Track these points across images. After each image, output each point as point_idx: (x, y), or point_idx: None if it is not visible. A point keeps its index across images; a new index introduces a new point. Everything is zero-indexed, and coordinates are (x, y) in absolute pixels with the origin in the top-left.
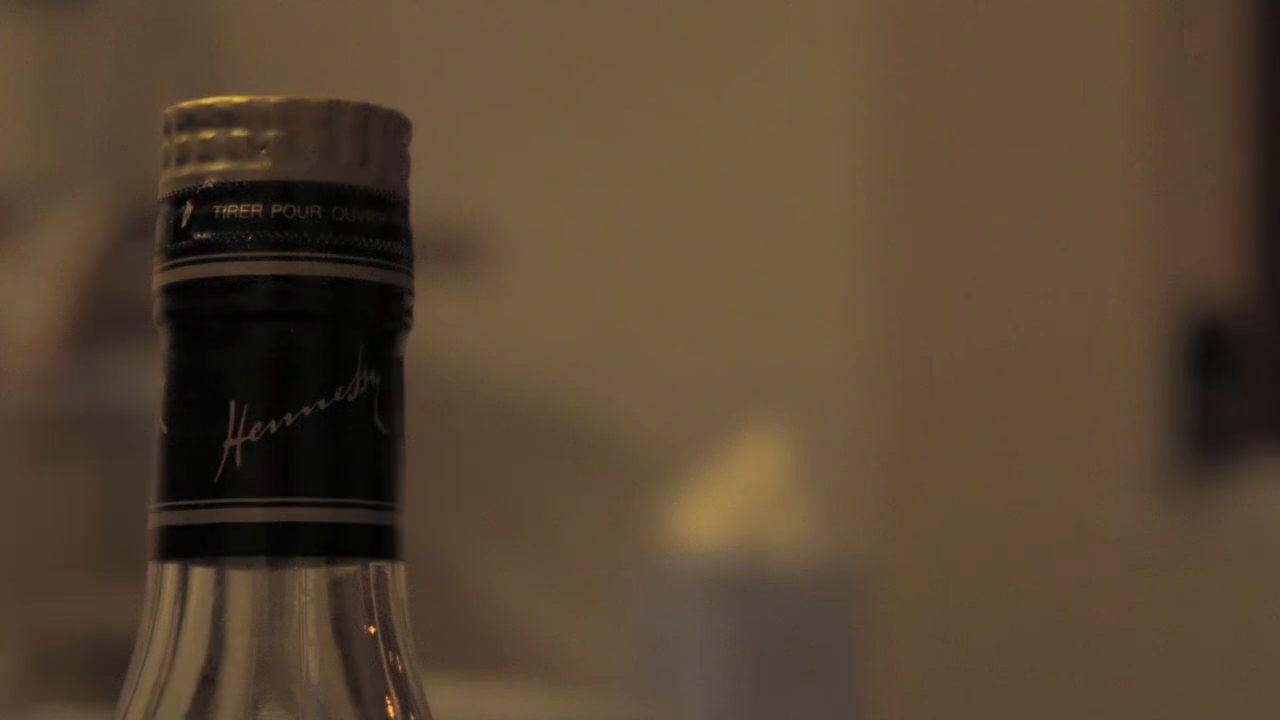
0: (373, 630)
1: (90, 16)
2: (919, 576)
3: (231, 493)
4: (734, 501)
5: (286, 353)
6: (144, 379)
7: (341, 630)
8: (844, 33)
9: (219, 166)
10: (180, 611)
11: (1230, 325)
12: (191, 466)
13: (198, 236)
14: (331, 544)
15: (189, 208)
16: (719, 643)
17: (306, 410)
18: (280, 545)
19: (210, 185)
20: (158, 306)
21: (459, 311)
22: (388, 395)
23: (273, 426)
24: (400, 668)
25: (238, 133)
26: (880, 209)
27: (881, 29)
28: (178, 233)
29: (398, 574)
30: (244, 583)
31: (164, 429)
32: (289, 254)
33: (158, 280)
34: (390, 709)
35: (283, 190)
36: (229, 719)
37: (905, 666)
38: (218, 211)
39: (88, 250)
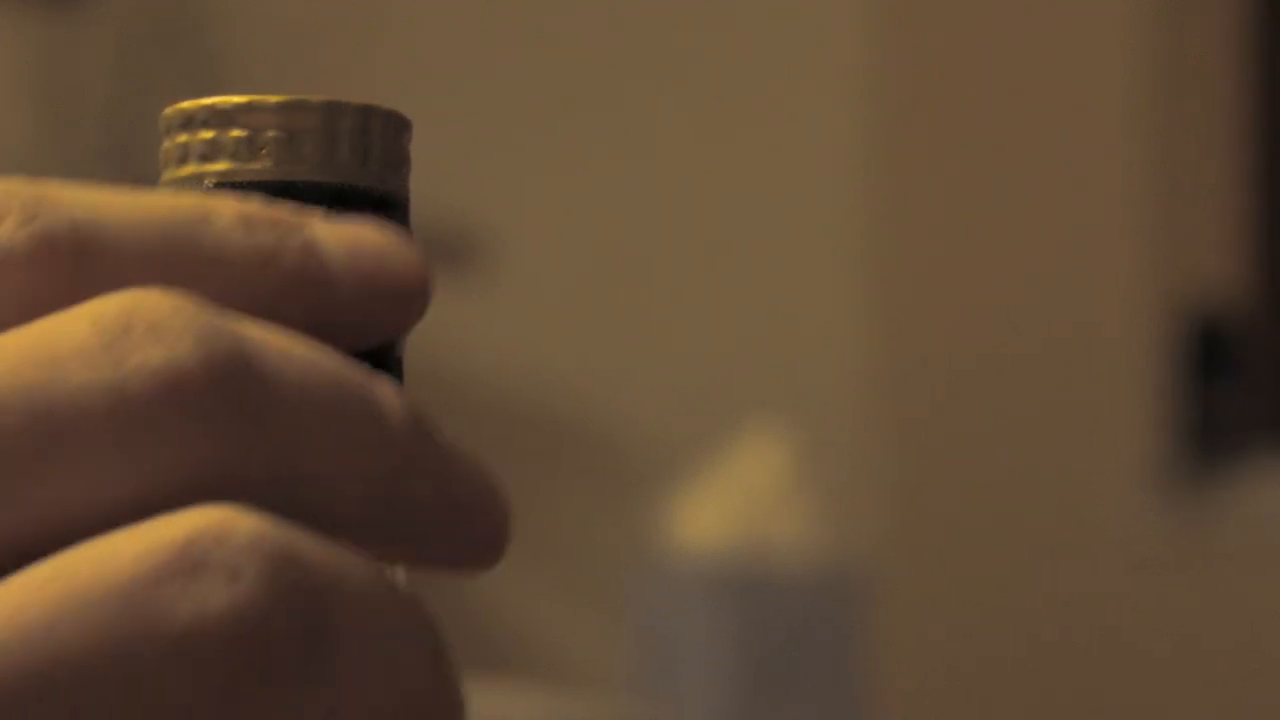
0: None
1: (90, 16)
2: (920, 577)
3: None
4: (734, 502)
5: None
6: None
7: None
8: (844, 34)
9: (219, 167)
10: None
11: (1230, 325)
12: None
13: None
14: None
15: None
16: (719, 643)
17: None
18: None
19: (210, 186)
20: None
21: (459, 311)
22: None
23: None
24: None
25: (237, 133)
26: (880, 210)
27: (881, 29)
28: None
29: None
30: None
31: None
32: None
33: None
34: None
35: (283, 190)
36: None
37: (906, 666)
38: None
39: None
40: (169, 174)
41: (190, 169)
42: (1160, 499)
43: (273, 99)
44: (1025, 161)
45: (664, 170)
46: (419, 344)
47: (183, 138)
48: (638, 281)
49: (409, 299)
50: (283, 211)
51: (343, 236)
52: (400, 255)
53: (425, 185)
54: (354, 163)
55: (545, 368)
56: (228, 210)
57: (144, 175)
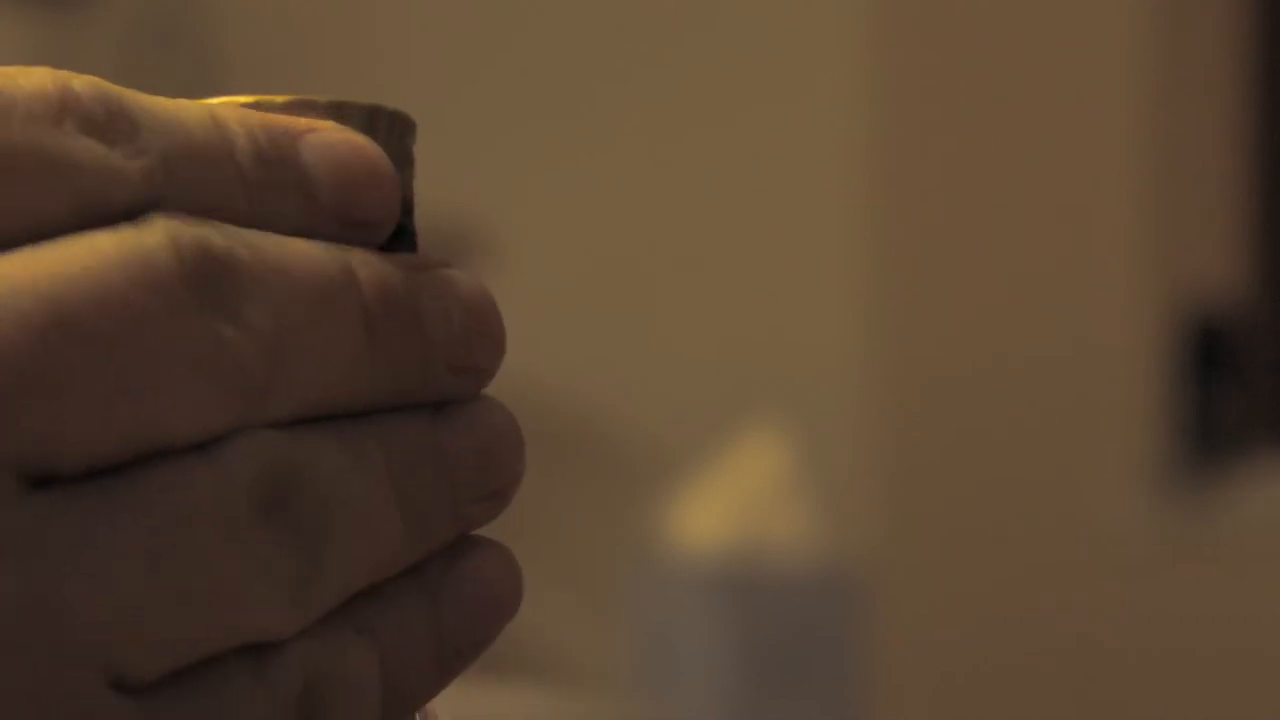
0: None
1: (90, 16)
2: (918, 576)
3: None
4: (734, 502)
5: None
6: None
7: None
8: (846, 34)
9: None
10: None
11: (1229, 325)
12: None
13: None
14: None
15: None
16: (719, 643)
17: None
18: None
19: None
20: None
21: None
22: None
23: None
24: None
25: None
26: (880, 210)
27: (883, 30)
28: None
29: None
30: None
31: None
32: None
33: None
34: None
35: None
36: None
37: (905, 666)
38: None
39: None
40: None
41: None
42: (1160, 499)
43: (280, 98)
44: (1025, 162)
45: (664, 170)
46: None
47: None
48: (638, 281)
49: (382, 203)
50: (282, 136)
51: (325, 155)
52: (366, 157)
53: (426, 185)
54: None
55: (545, 367)
56: (244, 143)
57: None
